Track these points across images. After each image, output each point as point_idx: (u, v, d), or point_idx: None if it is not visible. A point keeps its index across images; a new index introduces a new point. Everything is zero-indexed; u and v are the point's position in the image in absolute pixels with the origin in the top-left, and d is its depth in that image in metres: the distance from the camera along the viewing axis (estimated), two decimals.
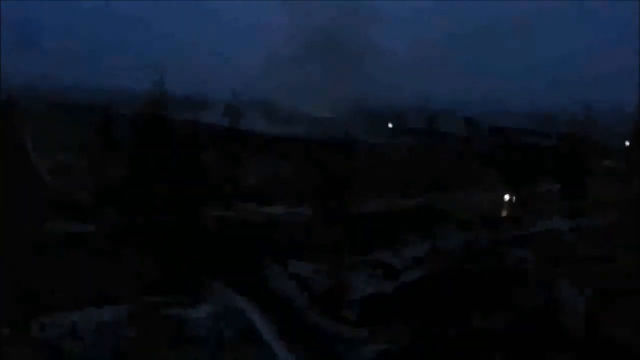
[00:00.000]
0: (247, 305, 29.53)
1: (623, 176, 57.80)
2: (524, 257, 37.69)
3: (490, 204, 50.84)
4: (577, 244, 41.39)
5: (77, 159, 58.57)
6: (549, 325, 27.96)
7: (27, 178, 55.55)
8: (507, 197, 51.75)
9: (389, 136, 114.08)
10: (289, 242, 39.30)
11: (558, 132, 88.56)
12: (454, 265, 34.77)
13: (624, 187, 53.41)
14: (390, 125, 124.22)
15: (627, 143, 71.08)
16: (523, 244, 40.32)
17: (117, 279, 30.90)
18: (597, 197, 54.67)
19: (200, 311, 28.21)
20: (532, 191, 54.01)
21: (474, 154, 73.67)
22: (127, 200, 40.59)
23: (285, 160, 69.43)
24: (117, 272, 31.66)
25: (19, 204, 40.13)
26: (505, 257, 37.70)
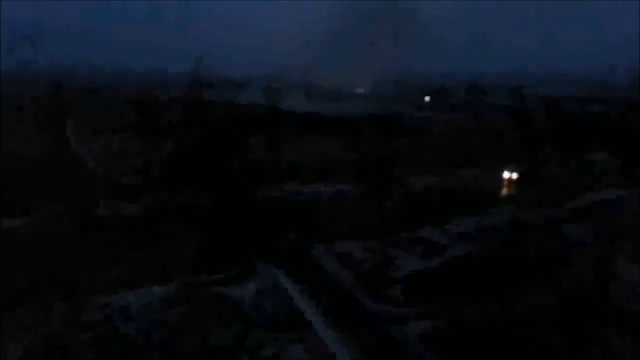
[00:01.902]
0: (292, 283, 29.58)
1: None
2: (577, 232, 36.18)
3: (540, 178, 48.98)
4: (633, 216, 39.43)
5: (122, 142, 60.17)
6: (604, 305, 26.74)
7: (73, 162, 57.63)
8: (506, 174, 47.21)
9: (431, 110, 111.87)
10: (334, 221, 39.08)
11: (612, 97, 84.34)
12: (502, 242, 33.71)
13: None
14: (427, 99, 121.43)
15: None
16: (576, 218, 38.71)
17: (165, 258, 31.63)
18: None
19: (247, 289, 28.44)
20: (585, 161, 51.44)
21: (521, 126, 71.14)
22: (172, 180, 41.31)
23: (327, 138, 69.17)
24: (164, 252, 32.41)
25: (66, 187, 41.63)
26: (556, 232, 36.29)
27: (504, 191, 46.28)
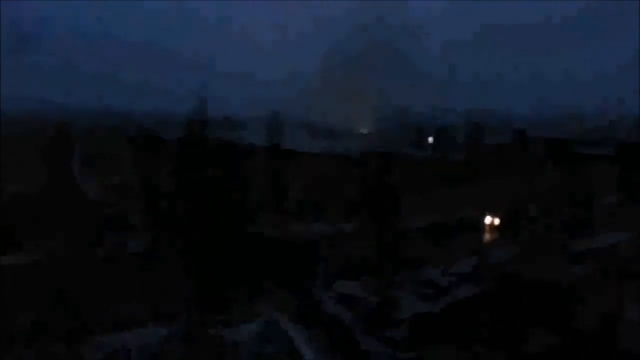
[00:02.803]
0: (291, 325, 29.11)
1: None
2: (582, 273, 35.82)
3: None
4: (637, 257, 39.13)
5: (124, 180, 60.77)
6: (609, 346, 26.30)
7: (77, 198, 57.91)
8: (488, 219, 44.62)
9: (432, 150, 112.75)
10: (334, 260, 38.84)
11: (616, 140, 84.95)
12: (505, 282, 33.29)
13: None
14: (430, 140, 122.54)
15: None
16: (581, 259, 38.36)
17: (165, 297, 31.33)
18: None
19: (244, 331, 27.97)
20: (590, 204, 51.20)
21: (524, 167, 71.52)
22: (174, 219, 41.38)
23: (328, 177, 69.53)
24: (165, 291, 32.11)
25: (69, 222, 41.72)
26: (561, 272, 35.92)
27: (486, 236, 44.13)
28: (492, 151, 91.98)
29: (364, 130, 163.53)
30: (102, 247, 40.32)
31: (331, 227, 48.77)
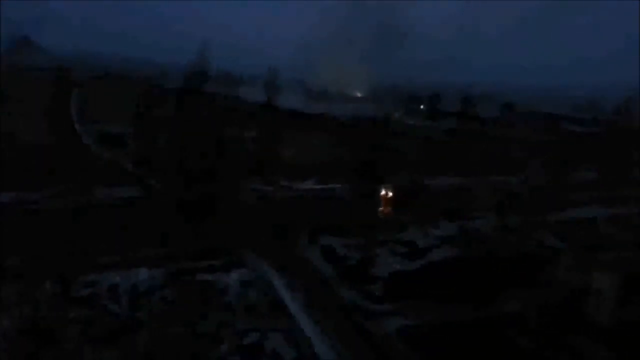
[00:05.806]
0: (276, 275, 30.32)
1: None
2: (557, 243, 37.20)
3: (525, 189, 49.92)
4: (612, 231, 40.61)
5: (122, 128, 60.89)
6: (577, 311, 27.69)
7: (73, 145, 58.05)
8: (383, 192, 42.76)
9: (423, 118, 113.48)
10: (321, 216, 39.88)
11: (602, 119, 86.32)
12: (483, 247, 34.58)
13: None
14: (422, 107, 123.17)
15: None
16: (558, 230, 39.73)
17: (155, 242, 32.30)
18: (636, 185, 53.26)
19: (231, 278, 29.08)
20: (569, 177, 52.40)
21: (510, 139, 72.52)
22: (167, 168, 41.90)
23: (320, 137, 70.11)
24: (156, 236, 33.04)
25: (66, 169, 42.10)
26: (537, 241, 37.23)
27: (380, 210, 42.15)
28: (481, 122, 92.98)
29: (358, 94, 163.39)
30: (97, 191, 40.80)
31: (320, 185, 49.83)
